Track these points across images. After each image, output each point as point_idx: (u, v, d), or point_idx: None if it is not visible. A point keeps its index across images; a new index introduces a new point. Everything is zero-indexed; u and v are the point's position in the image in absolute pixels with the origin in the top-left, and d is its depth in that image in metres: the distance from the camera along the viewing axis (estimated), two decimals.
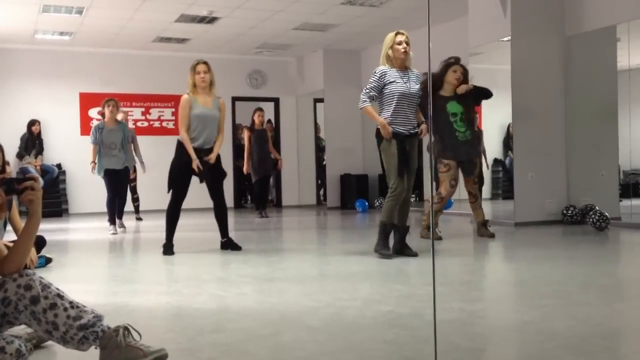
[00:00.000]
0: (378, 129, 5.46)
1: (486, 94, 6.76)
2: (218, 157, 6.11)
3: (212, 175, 6.06)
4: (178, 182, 5.98)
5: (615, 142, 8.33)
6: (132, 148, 8.83)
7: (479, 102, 6.82)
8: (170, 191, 6.03)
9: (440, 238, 6.59)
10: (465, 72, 6.62)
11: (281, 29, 10.95)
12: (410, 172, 5.49)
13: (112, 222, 8.26)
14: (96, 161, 8.10)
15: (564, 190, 8.38)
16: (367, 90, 5.46)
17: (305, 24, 10.61)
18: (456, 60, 6.62)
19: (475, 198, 6.74)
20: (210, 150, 6.04)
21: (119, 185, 8.36)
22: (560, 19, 8.37)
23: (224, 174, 6.19)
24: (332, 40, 11.87)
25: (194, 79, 6.03)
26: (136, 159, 9.17)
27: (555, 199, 8.30)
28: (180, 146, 6.02)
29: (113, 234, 8.08)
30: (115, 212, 8.32)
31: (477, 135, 6.88)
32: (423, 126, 5.50)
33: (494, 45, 8.56)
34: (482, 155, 7.79)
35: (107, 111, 8.22)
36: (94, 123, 8.52)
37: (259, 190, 10.64)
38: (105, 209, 8.45)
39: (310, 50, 12.87)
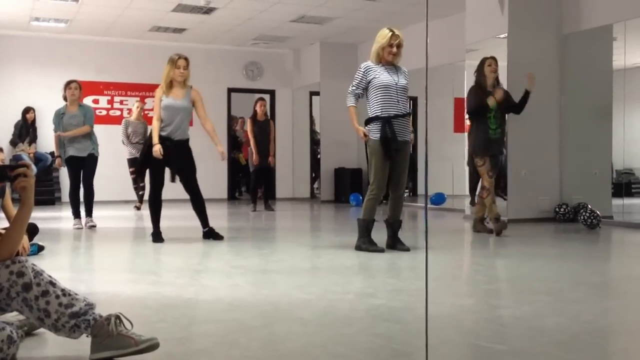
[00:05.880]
0: (367, 120, 5.47)
1: (514, 108, 6.82)
2: (189, 150, 6.20)
3: (184, 168, 6.17)
4: (151, 170, 6.15)
5: (609, 141, 8.37)
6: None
7: (506, 111, 6.82)
8: (150, 180, 6.22)
9: (491, 231, 6.59)
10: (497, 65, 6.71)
11: (278, 21, 10.92)
12: (400, 170, 5.50)
13: (76, 215, 7.53)
14: (61, 153, 7.48)
15: (556, 188, 8.41)
16: (353, 88, 5.48)
17: (303, 16, 10.59)
18: (490, 56, 6.73)
19: (488, 192, 6.58)
20: (179, 141, 6.09)
21: (84, 175, 7.51)
22: (557, 17, 8.38)
23: (194, 167, 6.24)
24: (329, 33, 11.85)
25: (174, 72, 6.10)
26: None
27: (548, 197, 8.32)
28: (150, 136, 6.19)
29: (78, 228, 7.37)
30: (79, 204, 7.56)
31: (504, 135, 6.88)
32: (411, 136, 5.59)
33: (491, 42, 8.56)
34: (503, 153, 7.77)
35: (68, 94, 7.45)
36: (56, 108, 7.58)
37: (255, 181, 10.54)
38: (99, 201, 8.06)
39: (307, 43, 12.85)
